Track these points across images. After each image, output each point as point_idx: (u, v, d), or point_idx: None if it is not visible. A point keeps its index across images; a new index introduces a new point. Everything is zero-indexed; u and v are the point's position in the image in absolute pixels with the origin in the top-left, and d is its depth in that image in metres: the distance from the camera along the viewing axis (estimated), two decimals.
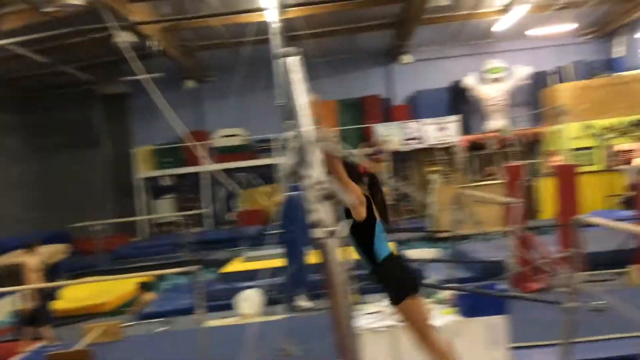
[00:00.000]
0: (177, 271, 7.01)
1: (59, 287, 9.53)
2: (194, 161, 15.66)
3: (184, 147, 15.83)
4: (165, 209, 16.79)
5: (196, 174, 16.19)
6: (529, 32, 14.75)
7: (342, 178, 2.39)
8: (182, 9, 11.36)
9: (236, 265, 9.96)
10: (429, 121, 14.69)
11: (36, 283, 7.15)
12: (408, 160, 15.21)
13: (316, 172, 1.61)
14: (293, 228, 7.91)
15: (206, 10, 11.20)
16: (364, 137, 15.16)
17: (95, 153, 17.04)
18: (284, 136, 7.06)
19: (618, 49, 15.65)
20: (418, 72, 16.03)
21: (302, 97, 1.80)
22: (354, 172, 2.64)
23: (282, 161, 1.89)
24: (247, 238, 13.00)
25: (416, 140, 14.73)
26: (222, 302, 7.79)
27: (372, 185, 2.76)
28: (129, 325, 7.71)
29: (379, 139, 14.63)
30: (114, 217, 15.93)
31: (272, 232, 13.40)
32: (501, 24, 13.80)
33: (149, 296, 9.36)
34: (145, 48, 11.64)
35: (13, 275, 7.01)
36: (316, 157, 1.64)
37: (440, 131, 14.69)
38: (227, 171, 14.75)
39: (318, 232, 1.55)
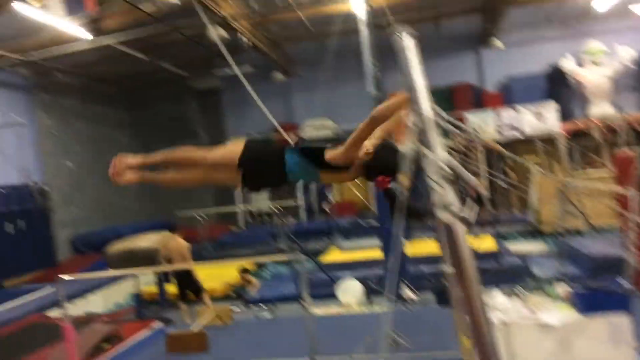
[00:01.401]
0: (283, 259, 7.29)
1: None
2: None
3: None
4: (261, 200, 17.39)
5: None
6: (634, 9, 13.60)
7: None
8: (269, 2, 11.62)
9: (334, 255, 10.17)
10: (525, 108, 14.07)
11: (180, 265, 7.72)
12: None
13: (440, 152, 1.66)
14: (389, 219, 7.98)
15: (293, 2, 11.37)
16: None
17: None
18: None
19: None
20: (510, 57, 15.37)
21: (420, 78, 1.85)
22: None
23: (406, 146, 1.92)
24: (341, 229, 13.25)
25: (512, 129, 14.17)
26: (322, 291, 8.03)
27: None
28: (238, 312, 8.13)
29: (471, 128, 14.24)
30: (214, 207, 16.75)
31: (370, 223, 13.62)
32: (602, 1, 12.72)
33: (253, 283, 9.80)
34: (236, 42, 12.06)
35: (141, 259, 7.58)
36: (435, 138, 1.69)
37: (538, 119, 14.04)
38: None
39: (444, 216, 1.58)
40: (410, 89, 1.79)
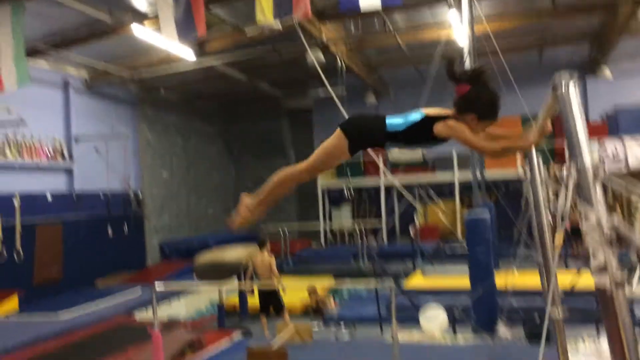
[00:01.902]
0: (374, 284, 7.16)
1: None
2: (373, 173, 16.00)
3: (364, 159, 16.29)
4: (343, 219, 17.36)
5: (374, 186, 16.49)
6: None
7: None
8: (367, 27, 11.67)
9: (417, 280, 9.89)
10: (632, 139, 13.12)
11: (268, 277, 7.83)
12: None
13: (599, 211, 1.48)
14: (481, 248, 7.64)
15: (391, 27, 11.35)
16: (555, 157, 14.14)
17: (282, 162, 18.23)
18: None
19: None
20: (616, 87, 14.58)
21: (582, 129, 1.68)
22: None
23: (560, 199, 1.75)
24: (424, 253, 12.90)
25: (616, 161, 13.25)
26: (403, 316, 7.79)
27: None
28: (316, 331, 8.05)
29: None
30: (297, 222, 16.91)
31: (457, 248, 13.18)
32: None
33: (328, 303, 9.72)
34: (332, 65, 12.21)
35: (227, 271, 7.74)
36: (598, 195, 1.51)
37: None
38: (404, 186, 14.81)
39: (603, 281, 1.41)
40: (571, 140, 1.62)
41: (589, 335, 4.08)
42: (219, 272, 7.96)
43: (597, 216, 1.46)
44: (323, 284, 10.11)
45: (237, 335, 7.76)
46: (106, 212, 11.94)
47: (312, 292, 9.77)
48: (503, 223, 10.71)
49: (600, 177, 1.53)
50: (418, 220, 15.09)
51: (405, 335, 6.95)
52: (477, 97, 2.22)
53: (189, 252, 13.04)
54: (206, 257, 8.38)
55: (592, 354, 3.69)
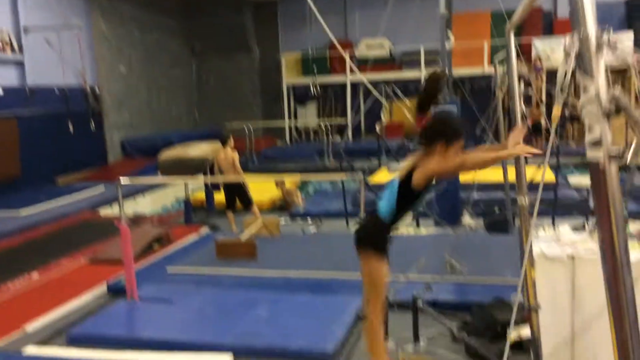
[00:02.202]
0: (341, 176, 7.16)
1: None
2: (339, 70, 15.68)
3: (330, 56, 15.89)
4: (309, 116, 17.21)
5: (340, 83, 16.24)
6: None
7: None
8: None
9: (383, 176, 10.01)
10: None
11: (231, 175, 7.74)
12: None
13: (597, 83, 1.40)
14: None
15: None
16: (523, 54, 14.04)
17: (245, 58, 17.67)
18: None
19: None
20: None
21: None
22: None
23: (559, 70, 1.66)
24: (390, 150, 13.02)
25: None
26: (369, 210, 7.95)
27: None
28: (284, 225, 8.17)
29: (537, 55, 13.45)
30: (261, 120, 16.68)
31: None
32: None
33: (296, 195, 9.78)
34: None
35: (192, 167, 7.62)
36: (599, 66, 1.42)
37: (612, 48, 13.04)
38: (370, 83, 14.59)
39: (595, 154, 1.36)
40: (575, 7, 1.47)
41: (548, 225, 4.24)
42: (183, 168, 7.83)
43: (597, 88, 1.39)
44: (290, 178, 10.14)
45: (204, 230, 7.83)
46: (64, 108, 11.44)
47: (280, 183, 9.79)
48: (467, 120, 10.75)
49: (603, 46, 1.44)
50: (384, 117, 15.07)
51: None
52: (437, 126, 2.29)
53: (152, 149, 12.79)
54: (170, 153, 8.21)
55: (552, 240, 3.83)
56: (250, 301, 4.80)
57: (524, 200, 3.28)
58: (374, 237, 2.44)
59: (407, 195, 2.34)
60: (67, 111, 11.42)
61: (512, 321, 2.43)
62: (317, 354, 3.92)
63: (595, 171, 1.36)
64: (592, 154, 1.37)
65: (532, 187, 4.50)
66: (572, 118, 13.69)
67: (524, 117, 3.88)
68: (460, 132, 2.32)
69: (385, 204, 2.39)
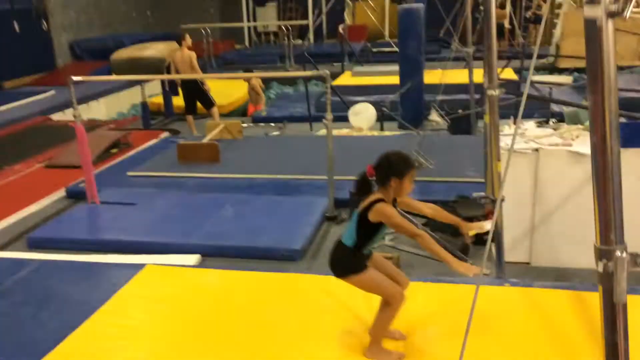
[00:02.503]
0: (310, 74, 6.94)
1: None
2: None
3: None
4: (269, 18, 16.53)
5: None
6: None
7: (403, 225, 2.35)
8: None
9: (347, 80, 9.82)
10: None
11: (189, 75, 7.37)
12: None
13: None
14: (412, 43, 7.54)
15: None
16: None
17: None
18: None
19: None
20: None
21: None
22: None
23: None
24: (353, 54, 12.72)
25: None
26: (334, 115, 7.84)
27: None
28: (246, 127, 8.02)
29: None
30: (219, 22, 15.92)
31: (385, 48, 13.05)
32: None
33: (261, 95, 9.53)
34: None
35: (147, 67, 7.24)
36: None
37: None
38: None
39: (594, 12, 1.28)
40: None
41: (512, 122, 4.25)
42: (138, 69, 7.41)
43: None
44: (258, 75, 9.82)
45: (164, 135, 7.61)
46: (7, 4, 10.56)
47: (247, 80, 9.48)
48: (432, 24, 10.46)
49: None
50: (347, 19, 14.59)
51: (334, 132, 7.02)
52: (384, 165, 2.35)
53: (103, 52, 12.12)
54: (124, 53, 7.75)
55: (517, 135, 3.86)
56: (216, 202, 4.77)
57: (493, 91, 3.25)
58: (344, 264, 2.51)
59: (367, 227, 2.41)
60: (11, 9, 10.55)
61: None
62: (285, 252, 3.96)
63: (592, 30, 1.29)
64: (589, 12, 1.29)
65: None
66: (536, 20, 13.58)
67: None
68: (410, 164, 2.41)
69: (347, 234, 2.45)
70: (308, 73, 6.01)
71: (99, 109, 9.89)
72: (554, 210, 3.63)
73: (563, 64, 10.92)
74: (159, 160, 6.20)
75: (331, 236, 4.38)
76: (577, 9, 11.63)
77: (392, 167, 2.35)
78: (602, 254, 1.26)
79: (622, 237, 1.26)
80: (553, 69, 11.21)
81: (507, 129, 4.25)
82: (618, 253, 1.22)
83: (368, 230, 2.41)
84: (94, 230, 4.44)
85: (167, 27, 15.61)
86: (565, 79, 9.23)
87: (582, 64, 9.58)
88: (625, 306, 1.23)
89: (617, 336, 1.23)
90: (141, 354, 2.73)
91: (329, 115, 4.71)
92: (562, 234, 3.63)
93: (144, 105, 8.18)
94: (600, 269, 1.25)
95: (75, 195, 5.24)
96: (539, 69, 11.34)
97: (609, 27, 1.28)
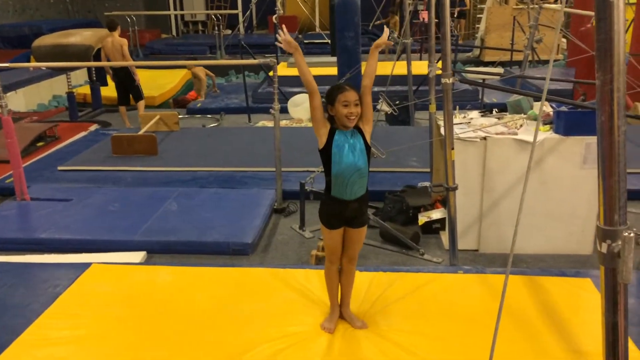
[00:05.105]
0: (252, 62, 6.79)
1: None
2: None
3: None
4: (197, 7, 16.08)
5: None
6: None
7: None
8: None
9: (283, 71, 9.69)
10: None
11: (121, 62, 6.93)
12: None
13: None
14: (350, 33, 7.54)
15: None
16: None
17: None
18: None
19: None
20: None
21: None
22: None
23: None
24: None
25: None
26: (269, 106, 7.74)
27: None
28: (182, 117, 7.76)
29: None
30: (144, 10, 15.31)
31: (316, 40, 13.00)
32: None
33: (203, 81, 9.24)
34: None
35: (73, 55, 6.78)
36: None
37: None
38: None
39: None
40: None
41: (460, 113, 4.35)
42: (63, 57, 6.90)
43: None
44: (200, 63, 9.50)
45: (93, 127, 7.23)
46: None
47: (189, 68, 9.15)
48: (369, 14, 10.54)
49: None
50: (279, 9, 14.42)
51: (269, 122, 6.94)
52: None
53: (20, 41, 11.34)
54: (47, 40, 7.21)
55: (464, 123, 3.98)
56: (158, 197, 4.57)
57: (447, 80, 3.30)
58: (319, 212, 2.64)
59: (323, 157, 2.53)
60: None
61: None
62: (236, 246, 3.86)
63: (603, 8, 1.29)
64: None
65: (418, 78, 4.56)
66: (460, 15, 14.04)
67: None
68: (337, 89, 2.48)
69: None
70: (255, 61, 5.86)
71: (18, 101, 9.21)
72: (500, 198, 3.75)
73: (488, 56, 11.34)
74: (92, 154, 5.87)
75: (280, 229, 4.32)
76: (501, 4, 12.13)
77: (327, 99, 2.48)
78: (607, 234, 1.29)
79: (625, 218, 1.29)
80: (479, 62, 11.63)
81: (458, 117, 4.35)
82: (626, 233, 1.25)
83: (324, 161, 2.51)
84: (27, 229, 4.12)
85: (88, 15, 14.85)
86: (497, 70, 9.60)
87: (506, 57, 10.00)
88: (626, 287, 1.27)
89: (617, 316, 1.26)
90: None
91: (276, 105, 4.64)
92: (508, 221, 3.75)
93: (70, 95, 7.71)
94: (604, 249, 1.28)
95: (2, 192, 4.86)
96: (465, 62, 11.75)
97: (620, 4, 1.28)
